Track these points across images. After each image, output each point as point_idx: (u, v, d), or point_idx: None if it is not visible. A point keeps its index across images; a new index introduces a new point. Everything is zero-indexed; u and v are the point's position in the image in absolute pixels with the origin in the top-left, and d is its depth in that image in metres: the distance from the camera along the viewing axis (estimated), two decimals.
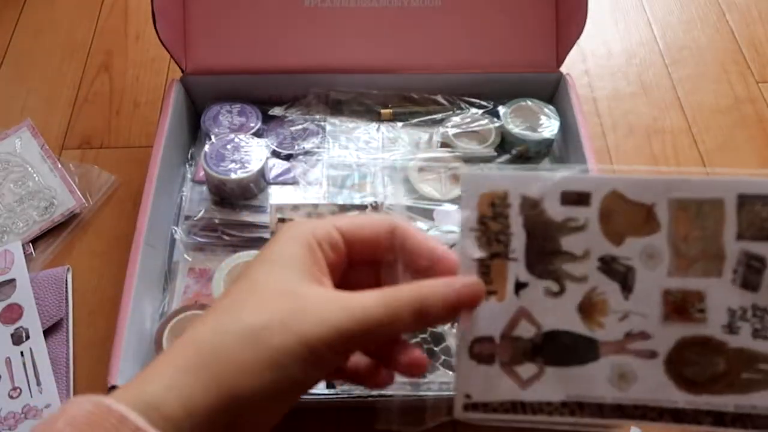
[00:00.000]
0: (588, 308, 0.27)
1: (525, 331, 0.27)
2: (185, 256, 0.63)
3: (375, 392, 0.53)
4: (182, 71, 0.70)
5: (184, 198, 0.68)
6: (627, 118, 0.79)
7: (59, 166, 0.72)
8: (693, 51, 0.86)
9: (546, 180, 0.27)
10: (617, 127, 0.78)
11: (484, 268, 0.27)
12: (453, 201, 0.66)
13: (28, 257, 0.65)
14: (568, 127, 0.69)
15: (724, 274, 0.26)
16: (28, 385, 0.57)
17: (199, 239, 0.64)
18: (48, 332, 0.60)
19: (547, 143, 0.70)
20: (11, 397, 0.56)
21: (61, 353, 0.59)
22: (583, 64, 0.84)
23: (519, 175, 0.27)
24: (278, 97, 0.73)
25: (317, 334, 0.24)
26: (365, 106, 0.73)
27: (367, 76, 0.71)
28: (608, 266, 0.27)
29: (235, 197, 0.65)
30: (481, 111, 0.72)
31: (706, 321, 0.26)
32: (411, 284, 0.26)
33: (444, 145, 0.70)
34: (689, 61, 0.85)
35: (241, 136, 0.66)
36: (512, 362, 0.27)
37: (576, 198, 0.27)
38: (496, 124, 0.70)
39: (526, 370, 0.27)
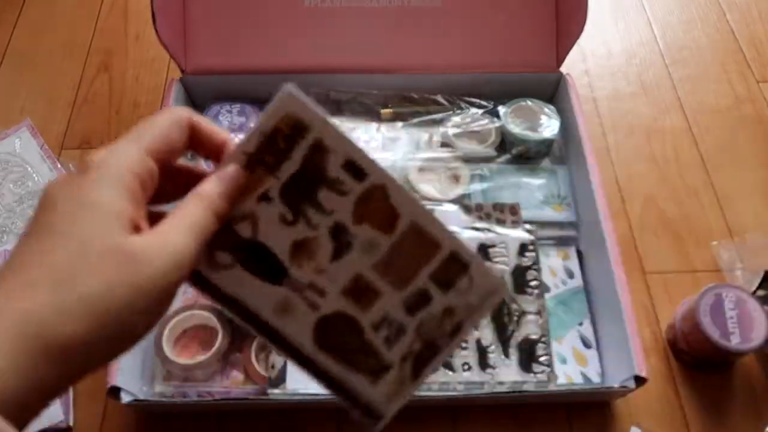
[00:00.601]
0: (300, 248, 0.31)
1: (244, 230, 0.31)
2: None
3: None
4: (182, 71, 0.70)
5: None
6: (627, 118, 0.79)
7: (59, 166, 0.72)
8: (693, 51, 0.86)
9: (345, 142, 0.30)
10: (617, 127, 0.78)
11: (249, 165, 0.31)
12: (453, 201, 0.66)
13: None
14: (568, 127, 0.69)
15: (403, 292, 0.32)
16: None
17: None
18: None
19: (548, 143, 0.70)
20: None
21: None
22: (583, 64, 0.84)
23: (328, 122, 0.30)
24: None
25: (152, 286, 0.25)
26: (365, 106, 0.73)
27: (367, 76, 0.71)
28: (337, 232, 0.31)
29: None
30: (481, 111, 0.72)
31: (367, 312, 0.32)
32: (192, 196, 0.28)
33: (444, 145, 0.70)
34: (689, 61, 0.85)
35: (241, 137, 0.66)
36: (216, 247, 0.31)
37: (355, 170, 0.31)
38: (496, 124, 0.70)
39: (223, 257, 0.31)
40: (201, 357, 0.56)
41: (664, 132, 0.78)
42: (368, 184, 0.31)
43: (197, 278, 0.31)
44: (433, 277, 0.32)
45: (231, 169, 0.30)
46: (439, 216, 0.32)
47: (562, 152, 0.72)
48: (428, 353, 0.33)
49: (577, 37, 0.67)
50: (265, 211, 0.31)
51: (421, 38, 0.70)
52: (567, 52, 0.69)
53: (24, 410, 0.23)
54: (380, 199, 0.31)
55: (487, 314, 0.32)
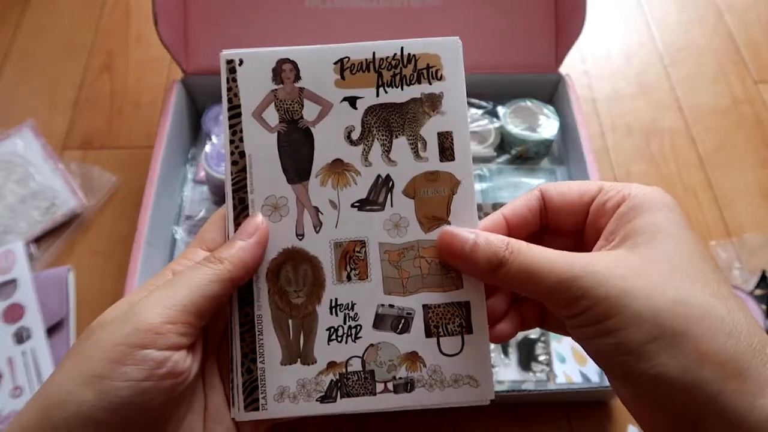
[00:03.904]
0: (337, 169, 0.30)
1: (309, 112, 0.30)
2: None
3: None
4: (183, 72, 0.70)
5: (184, 198, 0.68)
6: (626, 119, 0.79)
7: (61, 166, 0.72)
8: (691, 52, 0.86)
9: (462, 115, 0.30)
10: (616, 127, 0.79)
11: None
12: None
13: (29, 257, 0.65)
14: (567, 128, 0.70)
15: (388, 298, 0.30)
16: (30, 385, 0.57)
17: None
18: (50, 332, 0.60)
19: (547, 143, 0.70)
20: (13, 396, 0.56)
21: (63, 353, 0.59)
22: (583, 64, 0.85)
23: (463, 90, 0.30)
24: None
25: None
26: None
27: None
28: (381, 183, 0.30)
29: None
30: (481, 111, 0.72)
31: (340, 283, 0.29)
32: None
33: None
34: (688, 62, 0.85)
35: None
36: (271, 104, 0.30)
37: (444, 146, 0.30)
38: (496, 125, 0.70)
39: (271, 116, 0.30)
40: None
41: (663, 132, 0.78)
42: (446, 169, 0.29)
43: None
44: (428, 311, 0.29)
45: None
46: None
47: (561, 152, 0.72)
48: (356, 385, 0.29)
49: (576, 38, 0.67)
50: (338, 108, 0.30)
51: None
52: (566, 53, 0.70)
53: None
54: (444, 195, 0.29)
55: (451, 404, 0.29)
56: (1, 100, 0.80)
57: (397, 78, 0.30)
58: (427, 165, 0.30)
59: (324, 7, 0.69)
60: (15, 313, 0.61)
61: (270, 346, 0.29)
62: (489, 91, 0.72)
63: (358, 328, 0.29)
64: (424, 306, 0.29)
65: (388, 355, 0.29)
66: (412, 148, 0.30)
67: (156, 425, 0.27)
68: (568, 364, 0.59)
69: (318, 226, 0.30)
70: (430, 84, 0.30)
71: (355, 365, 0.29)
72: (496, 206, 0.64)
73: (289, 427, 0.57)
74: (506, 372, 0.57)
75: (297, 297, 0.29)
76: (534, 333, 0.58)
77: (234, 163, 0.30)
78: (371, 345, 0.29)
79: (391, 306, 0.29)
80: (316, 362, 0.29)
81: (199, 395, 0.29)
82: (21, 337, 0.59)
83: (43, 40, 0.86)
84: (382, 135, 0.30)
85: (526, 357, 0.57)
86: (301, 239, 0.29)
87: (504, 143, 0.71)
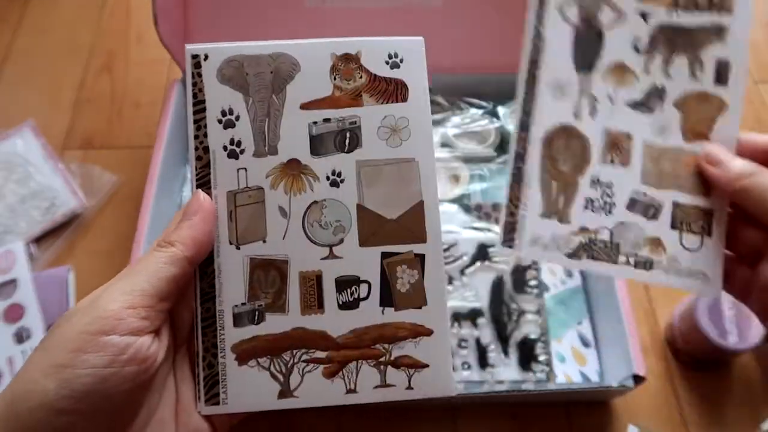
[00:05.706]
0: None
1: None
2: None
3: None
4: (183, 72, 0.70)
5: (184, 198, 0.68)
6: None
7: (61, 166, 0.72)
8: None
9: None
10: None
11: None
12: (453, 201, 0.66)
13: (29, 257, 0.65)
14: None
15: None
16: None
17: None
18: None
19: None
20: None
21: None
22: None
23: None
24: None
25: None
26: None
27: None
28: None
29: None
30: (481, 111, 0.72)
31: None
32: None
33: (444, 145, 0.70)
34: None
35: None
36: None
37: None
38: (496, 124, 0.70)
39: None
40: None
41: None
42: (717, 93, 0.34)
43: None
44: (676, 208, 0.33)
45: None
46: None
47: None
48: (602, 252, 0.33)
49: None
50: (631, 19, 0.34)
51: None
52: None
53: None
54: (711, 115, 0.34)
55: (682, 288, 0.33)
56: (1, 100, 0.80)
57: (692, 3, 0.34)
58: (700, 86, 0.34)
59: (324, 7, 0.69)
60: (15, 313, 0.61)
61: (534, 198, 0.33)
62: (489, 91, 0.72)
63: (613, 205, 0.33)
64: (673, 202, 0.33)
65: (635, 235, 0.33)
66: (690, 68, 0.34)
67: (123, 413, 0.27)
68: (568, 364, 0.59)
69: (593, 113, 0.34)
70: (719, 14, 0.34)
71: (604, 235, 0.33)
72: (496, 206, 0.64)
73: (290, 425, 0.57)
74: (506, 372, 0.57)
75: (564, 165, 0.33)
76: (534, 333, 0.58)
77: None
78: (621, 223, 0.33)
79: (645, 194, 0.33)
80: (570, 223, 0.33)
81: (170, 387, 0.29)
82: (21, 337, 0.59)
83: (43, 40, 0.86)
84: (666, 51, 0.34)
85: (526, 357, 0.57)
86: (576, 119, 0.34)
87: (504, 143, 0.71)
